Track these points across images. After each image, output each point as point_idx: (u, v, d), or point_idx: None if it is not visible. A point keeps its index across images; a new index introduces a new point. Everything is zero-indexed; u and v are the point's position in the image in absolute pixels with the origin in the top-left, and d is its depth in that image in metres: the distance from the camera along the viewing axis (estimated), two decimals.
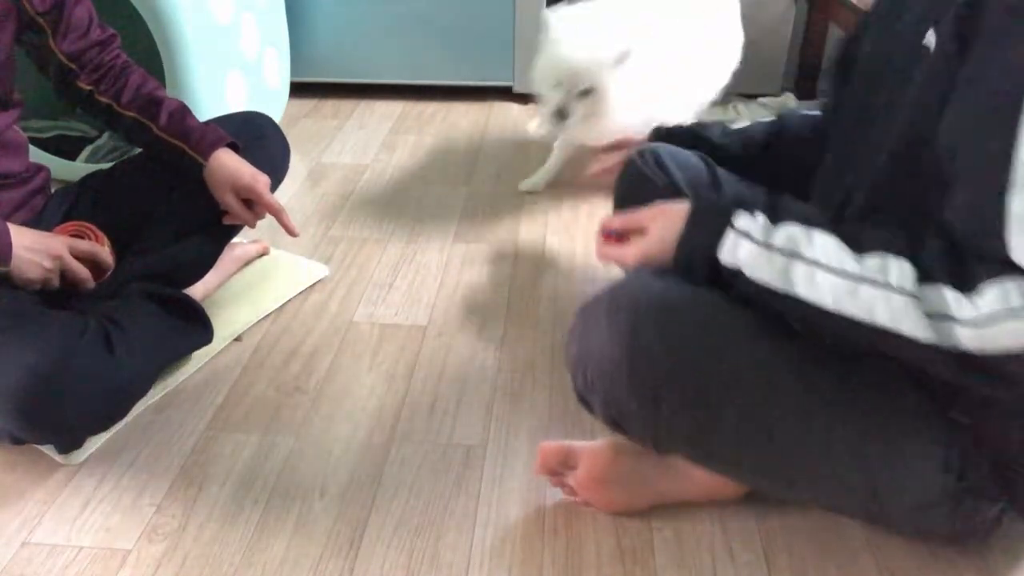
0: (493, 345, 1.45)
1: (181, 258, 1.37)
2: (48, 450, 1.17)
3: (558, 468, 1.08)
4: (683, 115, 1.89)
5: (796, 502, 1.06)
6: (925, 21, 0.86)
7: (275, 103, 2.30)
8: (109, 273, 1.26)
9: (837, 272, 0.78)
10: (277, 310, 1.54)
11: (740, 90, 2.24)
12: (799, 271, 0.80)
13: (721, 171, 1.26)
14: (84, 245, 1.21)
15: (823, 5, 2.40)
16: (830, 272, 0.79)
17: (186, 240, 1.37)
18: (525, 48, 2.29)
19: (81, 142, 2.06)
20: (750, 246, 0.83)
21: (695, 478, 1.03)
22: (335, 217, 1.89)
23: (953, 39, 0.79)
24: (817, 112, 1.22)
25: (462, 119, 2.45)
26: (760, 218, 0.84)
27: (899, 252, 0.77)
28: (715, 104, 2.01)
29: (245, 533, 1.06)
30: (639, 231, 0.94)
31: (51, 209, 1.33)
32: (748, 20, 2.00)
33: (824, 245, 0.80)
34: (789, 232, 0.82)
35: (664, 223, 0.91)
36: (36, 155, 1.33)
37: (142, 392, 1.21)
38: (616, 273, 1.00)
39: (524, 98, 2.48)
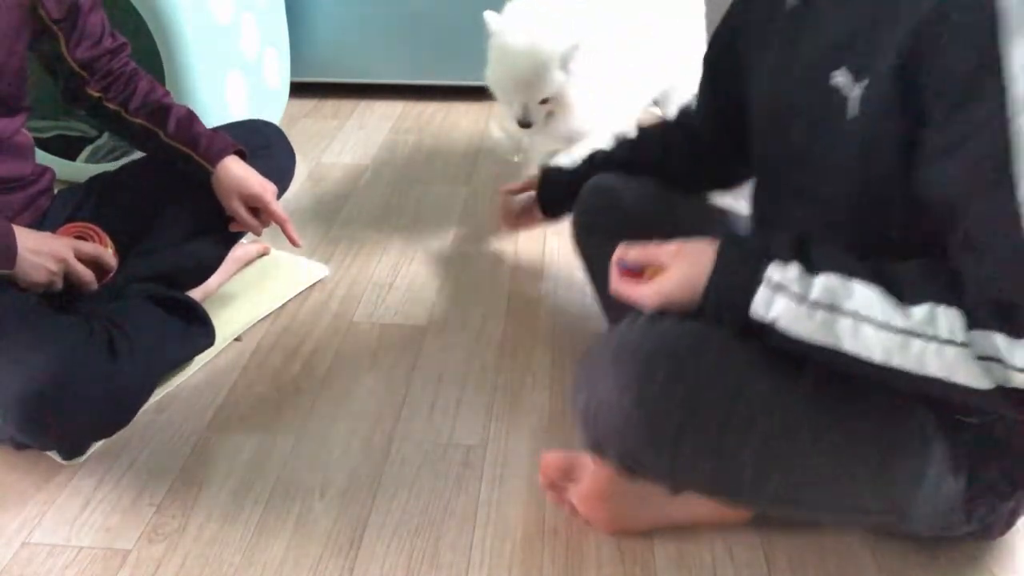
0: (493, 345, 1.45)
1: (185, 261, 1.37)
2: (50, 452, 1.17)
3: (560, 481, 1.08)
4: (642, 105, 1.87)
5: None
6: (829, 61, 0.84)
7: (275, 103, 2.30)
8: (112, 275, 1.26)
9: (884, 327, 0.75)
10: (277, 310, 1.54)
11: None
12: (843, 325, 0.77)
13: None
14: (88, 247, 1.21)
15: None
16: (876, 326, 0.76)
17: (191, 243, 1.37)
18: None
19: (81, 142, 2.06)
20: (786, 302, 0.79)
21: (702, 501, 1.00)
22: (335, 217, 1.89)
23: (892, 93, 0.77)
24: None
25: (462, 119, 2.45)
26: (793, 268, 0.80)
27: (944, 299, 0.74)
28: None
29: (245, 533, 1.06)
30: (657, 267, 0.90)
31: (55, 210, 1.33)
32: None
33: (866, 297, 0.77)
34: (827, 284, 0.78)
35: (686, 264, 0.87)
36: (36, 155, 1.33)
37: (145, 398, 1.21)
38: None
39: None
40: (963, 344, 0.72)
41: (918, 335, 0.74)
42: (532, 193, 1.48)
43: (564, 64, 1.49)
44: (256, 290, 1.57)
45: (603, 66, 1.57)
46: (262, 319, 1.51)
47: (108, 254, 1.24)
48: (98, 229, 1.26)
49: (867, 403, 0.88)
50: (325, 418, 1.27)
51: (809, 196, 0.92)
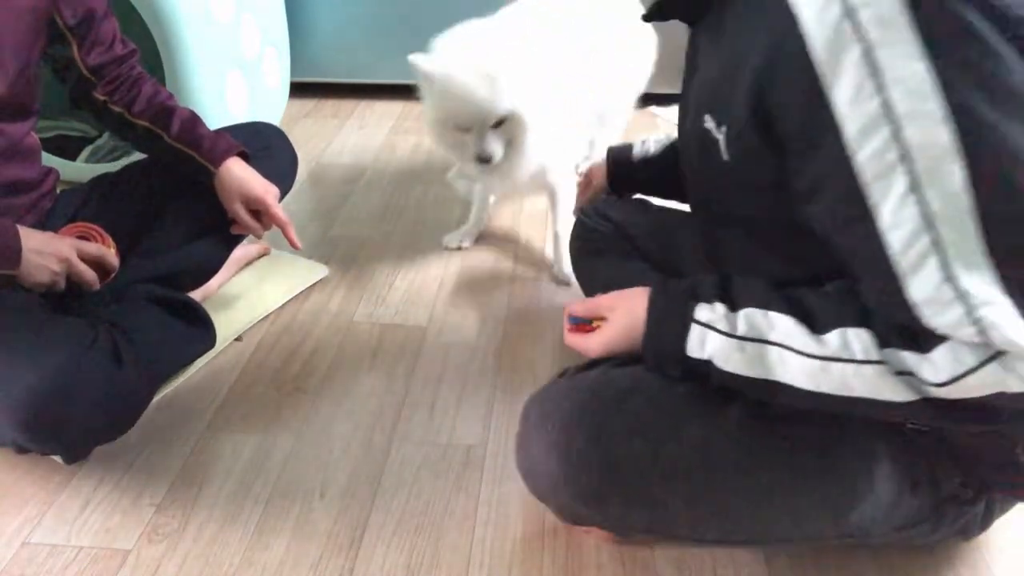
0: (493, 345, 1.45)
1: (187, 262, 1.37)
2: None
3: None
4: (599, 127, 1.82)
5: None
6: (702, 103, 0.88)
7: (275, 103, 2.30)
8: (114, 275, 1.26)
9: (804, 354, 0.78)
10: (277, 310, 1.54)
11: None
12: (772, 356, 0.79)
13: (655, 203, 1.35)
14: (91, 248, 1.22)
15: None
16: (798, 354, 0.78)
17: (192, 244, 1.37)
18: None
19: (81, 142, 2.06)
20: (717, 338, 0.82)
21: None
22: (335, 217, 1.89)
23: (752, 140, 0.80)
24: None
25: None
26: (719, 307, 0.83)
27: (854, 323, 0.77)
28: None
29: (245, 533, 1.06)
30: (601, 318, 0.94)
31: (59, 211, 1.33)
32: None
33: (785, 327, 0.79)
34: (750, 317, 0.81)
35: (624, 313, 0.91)
36: None
37: (148, 402, 1.21)
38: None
39: None
40: (880, 361, 0.75)
41: (835, 359, 0.76)
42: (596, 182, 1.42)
43: (510, 80, 1.39)
44: (256, 290, 1.58)
45: (548, 86, 1.49)
46: (262, 319, 1.51)
47: (110, 254, 1.24)
48: (100, 229, 1.26)
49: (800, 435, 0.87)
50: (325, 418, 1.27)
51: (729, 221, 0.95)
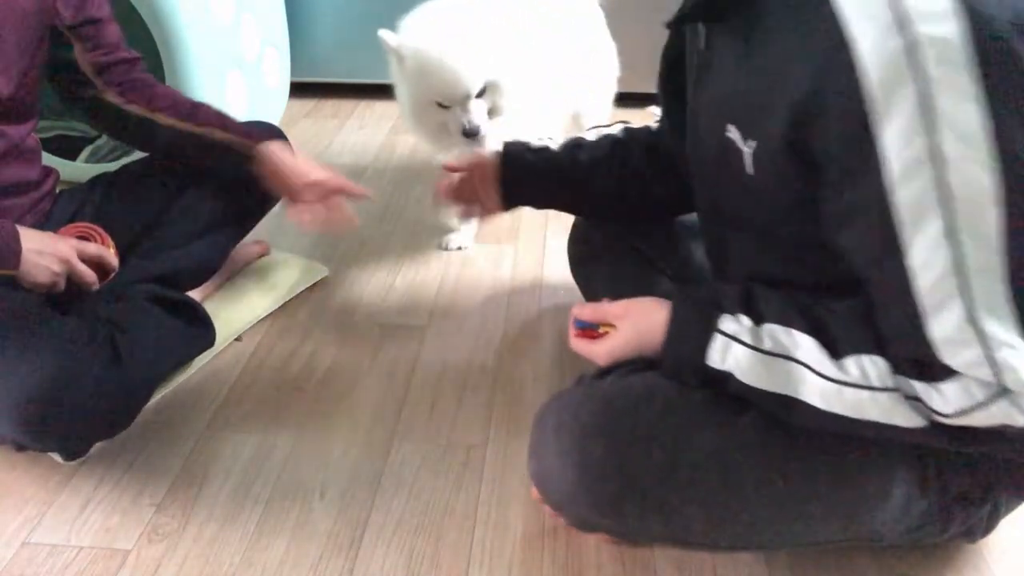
0: (493, 345, 1.45)
1: (187, 261, 1.37)
2: (51, 453, 1.17)
3: None
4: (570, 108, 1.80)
5: None
6: (723, 112, 0.87)
7: (275, 103, 2.30)
8: (114, 275, 1.26)
9: (822, 376, 0.78)
10: (277, 310, 1.54)
11: None
12: (795, 373, 0.79)
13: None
14: (92, 248, 1.21)
15: None
16: (817, 375, 0.79)
17: (192, 243, 1.37)
18: None
19: (81, 142, 2.06)
20: (741, 351, 0.82)
21: None
22: None
23: (784, 159, 0.79)
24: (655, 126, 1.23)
25: None
26: (744, 319, 0.83)
27: (870, 349, 0.77)
28: None
29: (245, 533, 1.06)
30: (609, 324, 0.94)
31: (58, 211, 1.33)
32: None
33: (806, 346, 0.80)
34: (773, 334, 0.81)
35: (636, 322, 0.90)
36: None
37: (146, 400, 1.21)
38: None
39: None
40: (894, 388, 0.76)
41: (852, 385, 0.77)
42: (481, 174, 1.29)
43: (487, 47, 1.35)
44: (256, 290, 1.57)
45: (523, 53, 1.46)
46: (262, 319, 1.51)
47: (110, 254, 1.24)
48: (100, 229, 1.26)
49: (815, 442, 0.86)
50: (325, 418, 1.27)
51: (741, 225, 0.95)
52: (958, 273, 0.68)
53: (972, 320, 0.69)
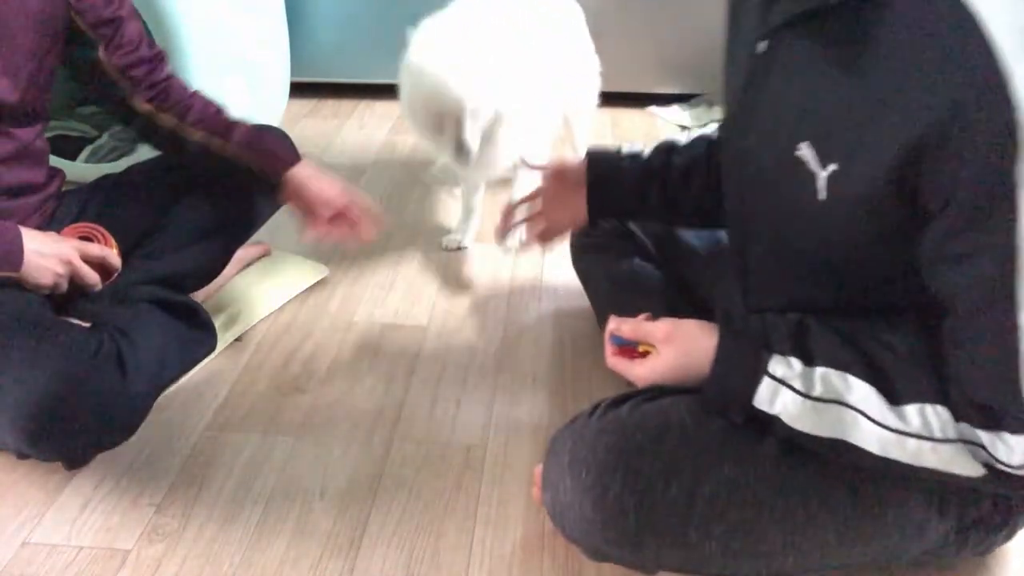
0: (493, 345, 1.45)
1: (190, 264, 1.37)
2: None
3: None
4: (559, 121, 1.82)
5: None
6: (791, 127, 0.82)
7: (275, 103, 2.30)
8: (116, 276, 1.26)
9: (881, 424, 0.77)
10: (277, 310, 1.54)
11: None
12: (847, 419, 0.78)
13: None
14: (95, 249, 1.21)
15: None
16: (873, 423, 0.77)
17: (196, 246, 1.37)
18: None
19: (81, 142, 2.06)
20: (791, 396, 0.80)
21: None
22: None
23: (880, 188, 0.74)
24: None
25: None
26: (795, 363, 0.81)
27: (932, 398, 0.76)
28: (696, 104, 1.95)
29: (245, 533, 1.06)
30: (649, 344, 0.90)
31: (62, 212, 1.32)
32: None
33: (863, 393, 0.78)
34: (828, 378, 0.79)
35: (681, 349, 0.87)
36: None
37: (148, 408, 1.21)
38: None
39: None
40: (956, 440, 0.75)
41: (913, 436, 0.76)
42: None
43: (482, 74, 1.38)
44: (256, 290, 1.57)
45: (517, 77, 1.48)
46: (262, 319, 1.51)
47: (113, 255, 1.24)
48: (103, 230, 1.26)
49: (834, 470, 0.85)
50: (325, 418, 1.27)
51: (774, 240, 0.92)
52: None
53: None
